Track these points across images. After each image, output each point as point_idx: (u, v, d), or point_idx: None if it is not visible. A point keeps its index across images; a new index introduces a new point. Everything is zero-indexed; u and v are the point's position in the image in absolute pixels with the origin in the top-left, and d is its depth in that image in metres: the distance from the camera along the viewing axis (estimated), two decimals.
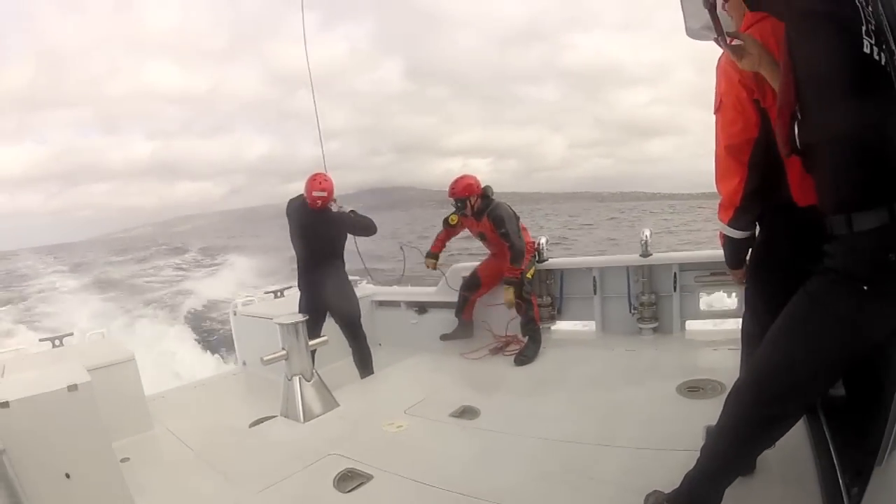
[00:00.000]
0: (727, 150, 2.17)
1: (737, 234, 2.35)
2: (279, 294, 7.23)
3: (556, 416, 3.84)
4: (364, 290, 7.06)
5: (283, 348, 4.39)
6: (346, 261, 5.46)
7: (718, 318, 5.39)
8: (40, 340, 5.82)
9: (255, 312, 6.58)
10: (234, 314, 6.97)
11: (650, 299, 5.37)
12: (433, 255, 5.94)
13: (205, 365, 10.85)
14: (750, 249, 2.44)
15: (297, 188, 5.27)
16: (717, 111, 2.20)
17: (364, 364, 5.40)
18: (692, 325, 5.39)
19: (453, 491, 2.93)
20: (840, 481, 2.05)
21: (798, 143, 1.70)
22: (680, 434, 3.06)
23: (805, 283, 1.78)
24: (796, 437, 2.43)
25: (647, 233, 5.53)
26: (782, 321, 1.84)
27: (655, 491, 2.40)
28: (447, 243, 6.04)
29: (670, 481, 2.24)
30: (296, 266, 5.35)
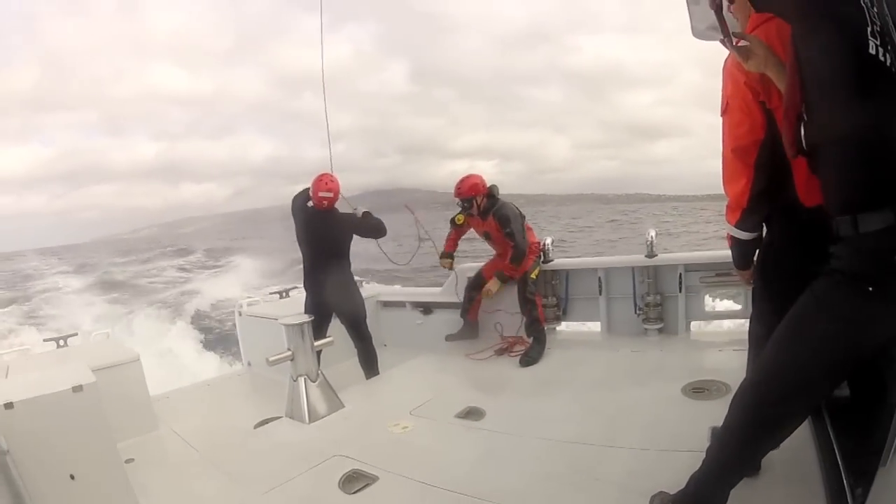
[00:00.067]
0: (734, 152, 2.18)
1: (744, 235, 2.36)
2: (284, 294, 7.25)
3: (562, 416, 3.83)
4: (369, 290, 7.07)
5: (289, 349, 4.39)
6: (351, 262, 5.46)
7: (723, 319, 5.39)
8: (44, 341, 5.84)
9: (260, 313, 6.58)
10: (240, 315, 6.97)
11: (655, 300, 5.37)
12: (448, 255, 5.97)
13: (204, 362, 10.88)
14: (757, 250, 2.45)
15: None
16: (723, 113, 2.21)
17: (369, 365, 5.41)
18: (697, 325, 5.39)
19: (458, 492, 2.93)
20: (844, 482, 2.05)
21: (804, 144, 1.70)
22: (685, 435, 3.06)
23: (811, 284, 1.77)
24: (801, 438, 2.42)
25: (653, 233, 5.52)
26: (788, 322, 1.84)
27: (661, 492, 2.40)
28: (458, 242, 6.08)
29: (676, 482, 2.23)
30: (301, 267, 5.37)
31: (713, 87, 2.28)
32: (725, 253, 2.57)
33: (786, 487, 2.44)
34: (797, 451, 2.47)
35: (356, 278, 5.68)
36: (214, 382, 6.73)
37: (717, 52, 2.10)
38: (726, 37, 1.91)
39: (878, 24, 1.55)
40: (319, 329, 4.88)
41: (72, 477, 2.71)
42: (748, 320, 2.65)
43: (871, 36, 1.52)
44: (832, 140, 1.63)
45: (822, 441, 2.48)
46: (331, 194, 5.08)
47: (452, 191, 5.65)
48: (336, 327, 5.25)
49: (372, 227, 5.40)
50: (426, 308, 6.68)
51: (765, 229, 2.39)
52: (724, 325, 5.44)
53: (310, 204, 5.19)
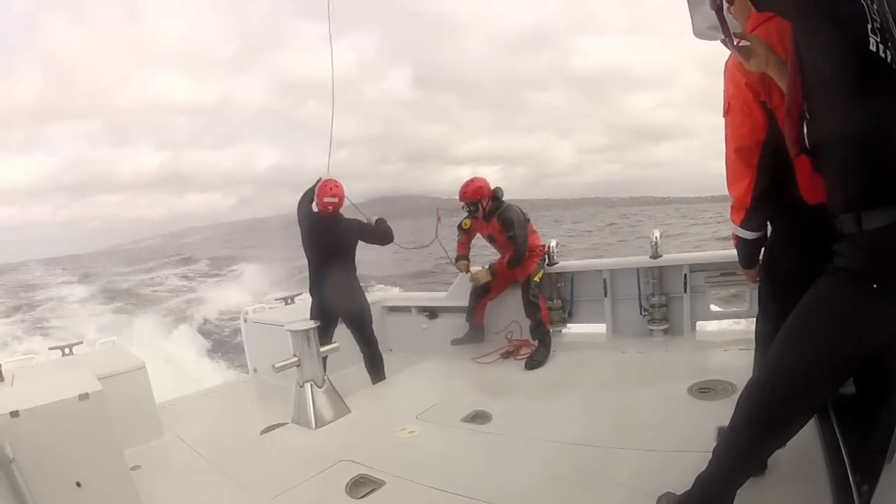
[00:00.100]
0: (737, 153, 2.19)
1: (749, 234, 2.38)
2: (289, 301, 7.25)
3: (568, 419, 3.83)
4: (375, 295, 7.08)
5: (295, 355, 4.40)
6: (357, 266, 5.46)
7: (729, 319, 5.38)
8: (50, 349, 5.86)
9: (265, 319, 6.59)
10: (245, 321, 6.99)
11: (660, 301, 5.36)
12: (463, 257, 5.97)
13: (207, 369, 10.90)
14: (763, 249, 2.46)
15: None
16: (725, 114, 2.22)
17: (375, 369, 5.41)
18: (703, 325, 5.37)
19: (466, 496, 2.93)
20: (850, 479, 2.04)
21: (807, 143, 1.71)
22: (691, 436, 3.05)
23: (815, 282, 1.78)
24: (807, 437, 2.42)
25: (657, 234, 5.53)
26: (793, 321, 1.84)
27: (667, 493, 2.40)
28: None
29: (682, 483, 2.23)
30: (307, 272, 5.38)
31: (716, 88, 2.29)
32: (730, 253, 2.58)
33: (792, 486, 2.43)
34: (803, 449, 2.46)
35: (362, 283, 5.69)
36: (220, 389, 6.74)
37: (719, 53, 2.11)
38: (727, 36, 1.92)
39: (879, 20, 1.56)
40: (325, 334, 4.88)
41: (78, 484, 2.70)
42: (753, 320, 2.66)
43: (872, 33, 1.53)
44: (835, 138, 1.63)
45: (828, 439, 2.47)
46: (336, 199, 5.11)
47: (457, 197, 5.67)
48: (342, 332, 5.25)
49: (380, 234, 5.43)
50: (432, 312, 6.68)
51: (769, 228, 2.40)
52: (729, 324, 5.43)
53: (315, 209, 5.20)
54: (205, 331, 15.58)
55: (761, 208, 2.26)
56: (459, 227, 5.89)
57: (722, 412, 2.28)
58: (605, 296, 5.73)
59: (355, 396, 4.82)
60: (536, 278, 5.47)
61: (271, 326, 6.14)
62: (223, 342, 13.84)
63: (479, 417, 4.08)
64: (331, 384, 4.52)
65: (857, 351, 1.73)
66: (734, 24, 2.11)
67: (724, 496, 2.07)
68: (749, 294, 4.89)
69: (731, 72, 2.15)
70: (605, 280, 5.71)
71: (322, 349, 4.53)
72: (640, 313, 5.52)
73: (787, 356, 1.86)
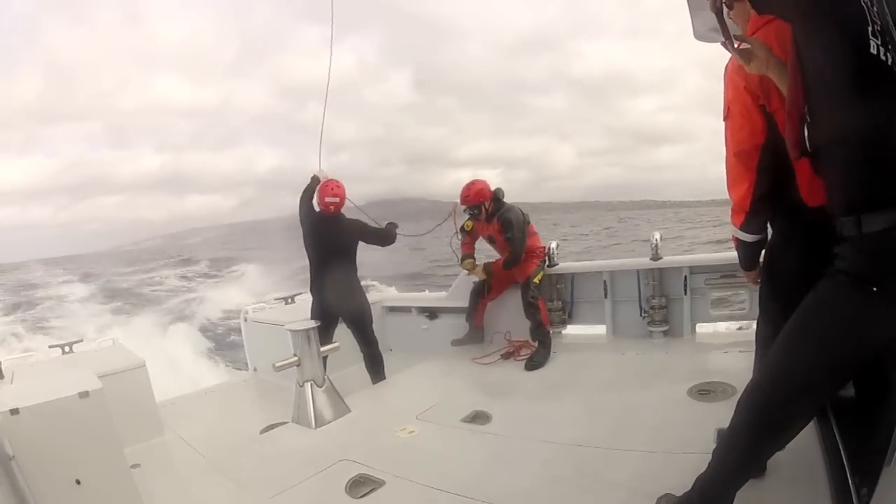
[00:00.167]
0: (737, 157, 2.21)
1: (749, 237, 2.40)
2: (290, 300, 7.26)
3: (568, 420, 3.83)
4: (375, 295, 7.08)
5: (295, 354, 4.40)
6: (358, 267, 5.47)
7: (729, 321, 5.38)
8: (50, 347, 5.86)
9: (265, 319, 6.60)
10: (245, 321, 6.99)
11: (661, 302, 5.36)
12: (468, 256, 5.95)
13: (206, 369, 10.91)
14: (763, 251, 2.46)
15: None
16: (725, 118, 2.24)
17: (375, 369, 5.42)
18: (703, 327, 5.37)
19: (465, 496, 2.93)
20: (850, 482, 2.05)
21: (808, 146, 1.71)
22: (691, 437, 3.06)
23: (816, 284, 1.78)
24: (806, 439, 2.42)
25: (658, 236, 5.53)
26: (793, 323, 1.84)
27: (667, 494, 2.40)
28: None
29: (682, 484, 2.23)
30: (308, 274, 5.39)
31: (717, 92, 2.30)
32: (730, 255, 2.59)
33: (791, 488, 2.43)
34: (803, 451, 2.46)
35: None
36: (220, 388, 6.74)
37: (719, 55, 2.12)
38: (727, 39, 1.93)
39: (879, 23, 1.56)
40: (325, 334, 4.89)
41: (78, 482, 2.69)
42: (753, 322, 2.66)
43: (873, 35, 1.53)
44: (835, 140, 1.64)
45: (828, 441, 2.48)
46: (337, 199, 5.14)
47: (458, 199, 5.68)
48: (342, 332, 5.26)
49: (382, 235, 5.46)
50: (432, 313, 6.68)
51: (770, 230, 2.40)
52: (729, 326, 5.43)
53: (317, 208, 5.22)
54: (204, 330, 15.60)
55: (761, 211, 2.28)
56: (462, 228, 5.89)
57: (722, 414, 2.29)
58: (606, 297, 5.73)
59: (355, 396, 4.82)
60: (536, 280, 5.48)
61: (271, 326, 6.15)
62: (221, 341, 13.85)
63: (479, 418, 4.08)
64: (331, 384, 4.52)
65: (856, 353, 1.73)
66: (734, 27, 2.12)
67: (724, 498, 2.07)
68: (749, 296, 4.89)
69: (730, 76, 2.16)
70: (605, 281, 5.71)
71: (322, 349, 4.54)
72: (641, 315, 5.52)
73: (788, 358, 1.86)
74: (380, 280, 14.18)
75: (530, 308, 5.39)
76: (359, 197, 5.54)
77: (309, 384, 4.38)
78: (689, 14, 2.54)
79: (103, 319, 19.07)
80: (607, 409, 3.93)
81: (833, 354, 1.74)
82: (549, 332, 5.47)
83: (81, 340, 5.89)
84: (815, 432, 2.61)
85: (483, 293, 5.90)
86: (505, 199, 5.64)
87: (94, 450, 2.81)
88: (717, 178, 2.47)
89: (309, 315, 5.14)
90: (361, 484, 3.23)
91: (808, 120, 1.69)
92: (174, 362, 10.94)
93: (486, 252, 6.15)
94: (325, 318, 4.97)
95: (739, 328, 5.29)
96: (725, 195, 2.36)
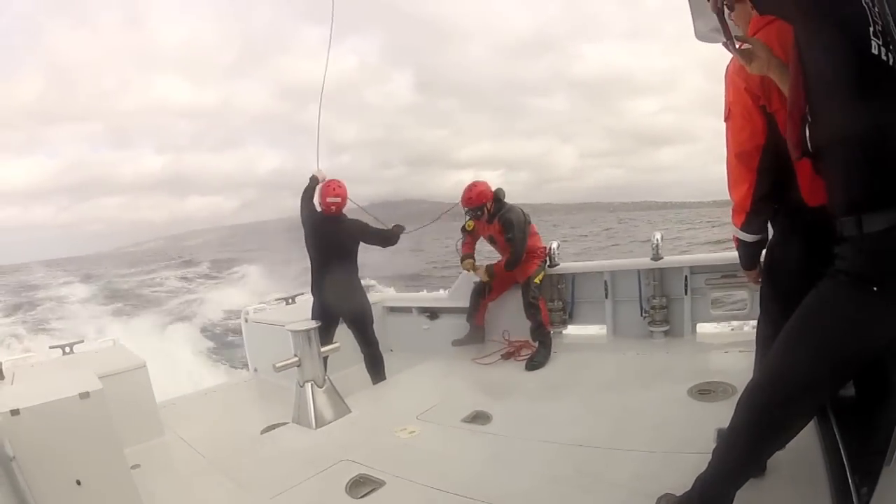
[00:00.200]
0: (737, 158, 2.22)
1: (749, 237, 2.41)
2: (290, 301, 7.26)
3: (568, 420, 3.83)
4: (376, 295, 7.08)
5: (296, 355, 4.40)
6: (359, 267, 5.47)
7: (729, 321, 5.38)
8: (50, 348, 5.86)
9: (266, 319, 6.60)
10: (246, 321, 6.99)
11: (661, 302, 5.36)
12: (469, 256, 5.95)
13: (206, 369, 10.91)
14: (764, 251, 2.47)
15: None
16: (726, 119, 2.25)
17: (376, 370, 5.42)
18: (703, 327, 5.37)
19: (466, 496, 2.93)
20: (850, 481, 2.04)
21: (809, 146, 1.71)
22: (691, 437, 3.05)
23: (816, 284, 1.78)
24: (806, 438, 2.42)
25: (659, 236, 5.53)
26: (793, 323, 1.84)
27: (667, 494, 2.40)
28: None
29: (682, 484, 2.23)
30: (309, 274, 5.39)
31: (718, 92, 2.31)
32: (730, 255, 2.59)
33: (792, 487, 2.43)
34: (803, 451, 2.46)
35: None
36: (220, 389, 6.74)
37: (720, 56, 2.13)
38: (728, 40, 1.93)
39: (880, 23, 1.56)
40: (326, 334, 4.89)
41: (78, 483, 2.69)
42: (754, 322, 2.66)
43: (874, 36, 1.53)
44: (836, 140, 1.64)
45: (828, 441, 2.48)
46: (339, 199, 5.15)
47: (459, 201, 5.68)
48: (342, 332, 5.26)
49: (384, 236, 5.47)
50: (432, 313, 6.68)
51: (770, 230, 2.41)
52: (729, 326, 5.43)
53: (318, 209, 5.23)
54: (204, 330, 15.60)
55: (762, 211, 2.29)
56: (463, 229, 5.90)
57: (722, 414, 2.29)
58: (606, 297, 5.73)
59: (356, 396, 4.82)
60: (537, 280, 5.48)
61: (272, 326, 6.15)
62: (221, 341, 13.85)
63: (479, 418, 4.08)
64: (331, 384, 4.52)
65: (857, 353, 1.73)
66: (735, 28, 2.13)
67: (724, 497, 2.07)
68: (750, 296, 4.89)
69: (731, 77, 2.17)
70: (605, 282, 5.71)
71: (323, 349, 4.54)
72: (641, 315, 5.52)
73: (788, 358, 1.86)
74: (379, 280, 14.21)
75: (531, 308, 5.39)
76: (360, 199, 5.55)
77: (309, 384, 4.38)
78: (690, 15, 2.54)
79: (104, 320, 19.08)
80: (608, 409, 3.93)
81: (833, 354, 1.74)
82: (549, 333, 5.47)
83: (82, 341, 5.89)
84: (815, 432, 2.60)
85: (484, 293, 5.90)
86: (506, 200, 5.64)
87: (94, 450, 2.80)
88: (718, 179, 2.47)
89: (309, 315, 5.14)
90: (362, 484, 3.23)
91: (810, 120, 1.69)
92: (174, 363, 10.95)
93: (486, 252, 6.15)
94: (326, 319, 4.98)
95: (740, 328, 5.28)
96: (727, 196, 2.37)
